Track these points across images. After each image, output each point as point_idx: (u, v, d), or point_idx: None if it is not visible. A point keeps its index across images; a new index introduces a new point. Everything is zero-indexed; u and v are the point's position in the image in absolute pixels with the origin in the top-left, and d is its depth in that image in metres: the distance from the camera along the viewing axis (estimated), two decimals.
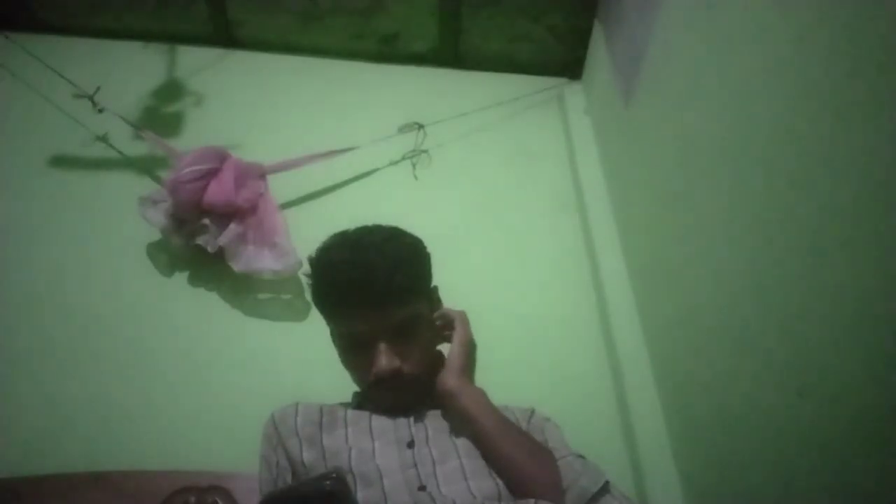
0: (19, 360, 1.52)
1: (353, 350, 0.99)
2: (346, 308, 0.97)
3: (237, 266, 1.60)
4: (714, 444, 1.17)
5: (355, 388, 1.07)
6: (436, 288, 1.10)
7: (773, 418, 0.97)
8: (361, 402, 1.04)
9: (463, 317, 1.05)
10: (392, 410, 0.99)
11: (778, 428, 0.96)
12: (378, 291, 0.94)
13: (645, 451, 1.34)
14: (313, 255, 1.03)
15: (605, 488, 0.88)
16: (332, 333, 1.04)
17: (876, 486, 0.76)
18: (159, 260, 1.73)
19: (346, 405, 1.04)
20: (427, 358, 1.01)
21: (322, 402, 1.02)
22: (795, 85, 0.95)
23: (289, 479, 0.93)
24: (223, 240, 1.60)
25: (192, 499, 1.19)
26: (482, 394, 0.98)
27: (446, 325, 1.05)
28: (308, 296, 1.10)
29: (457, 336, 1.01)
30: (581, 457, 0.94)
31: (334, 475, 0.75)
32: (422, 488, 0.86)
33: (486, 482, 0.88)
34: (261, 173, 1.76)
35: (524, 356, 1.56)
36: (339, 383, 1.06)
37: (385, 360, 0.94)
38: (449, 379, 0.97)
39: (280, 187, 1.79)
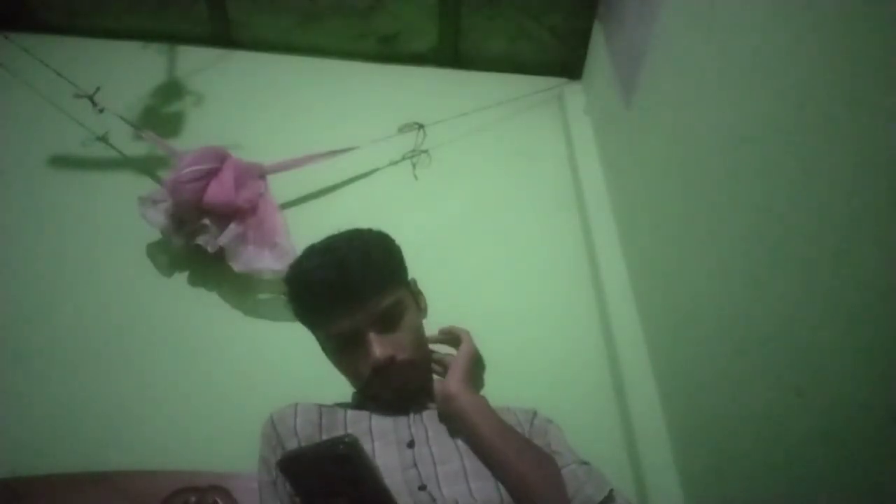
0: (19, 360, 1.52)
1: (345, 350, 0.99)
2: (328, 309, 0.97)
3: (237, 266, 1.60)
4: (714, 444, 1.17)
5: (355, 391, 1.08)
6: (414, 281, 1.11)
7: (773, 418, 0.97)
8: (361, 402, 1.05)
9: (467, 333, 1.07)
10: (393, 403, 0.99)
11: (778, 428, 0.96)
12: (355, 285, 0.95)
13: (645, 451, 1.34)
14: (287, 274, 1.04)
15: (610, 496, 0.87)
16: (321, 344, 1.04)
17: (876, 485, 0.76)
18: (159, 260, 1.73)
19: (345, 405, 1.04)
20: (417, 343, 1.01)
21: (322, 403, 1.02)
22: (795, 85, 0.95)
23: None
24: (223, 240, 1.60)
25: (192, 499, 1.19)
26: (483, 400, 0.98)
27: (452, 341, 1.07)
28: None
29: (462, 346, 1.03)
30: (586, 463, 0.94)
31: (347, 438, 0.75)
32: (422, 488, 0.86)
33: (487, 484, 0.88)
34: (261, 173, 1.76)
35: (524, 356, 1.55)
36: (339, 383, 1.06)
37: (378, 349, 0.95)
38: (451, 384, 0.97)
39: (280, 187, 1.79)
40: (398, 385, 0.98)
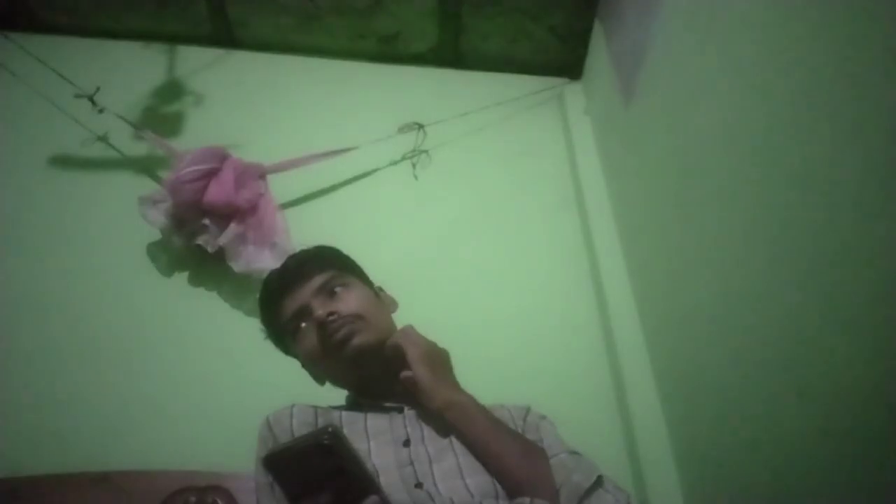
0: (19, 360, 1.52)
1: (300, 334, 1.03)
2: (278, 302, 1.06)
3: (237, 266, 1.60)
4: (714, 444, 1.17)
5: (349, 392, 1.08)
6: (380, 287, 1.16)
7: (774, 419, 0.97)
8: (356, 403, 1.05)
9: (407, 334, 1.02)
10: (363, 363, 1.00)
11: (778, 428, 0.96)
12: (294, 273, 1.06)
13: (645, 451, 1.34)
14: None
15: (598, 482, 0.88)
16: (300, 361, 1.09)
17: (876, 486, 0.76)
18: (159, 260, 1.73)
19: (340, 408, 1.04)
20: (366, 306, 1.04)
21: (318, 405, 1.02)
22: (796, 84, 0.95)
23: None
24: (223, 240, 1.60)
25: (192, 499, 1.20)
26: (468, 401, 0.97)
27: (397, 352, 1.01)
28: None
29: (410, 356, 0.98)
30: (575, 453, 0.95)
31: (330, 429, 0.76)
32: (418, 485, 0.87)
33: (483, 479, 0.89)
34: (261, 173, 1.76)
35: (524, 356, 1.56)
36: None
37: (320, 308, 1.01)
38: (428, 401, 0.96)
39: (280, 187, 1.79)
40: (345, 336, 0.99)
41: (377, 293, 1.13)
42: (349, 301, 1.03)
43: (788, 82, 0.96)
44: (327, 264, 1.08)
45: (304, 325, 1.03)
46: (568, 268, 1.77)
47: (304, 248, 1.16)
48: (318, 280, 1.04)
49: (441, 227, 1.85)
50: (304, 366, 1.09)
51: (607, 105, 1.91)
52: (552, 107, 2.18)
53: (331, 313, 1.00)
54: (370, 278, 1.16)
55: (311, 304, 1.02)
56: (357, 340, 0.99)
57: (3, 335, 1.56)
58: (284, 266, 1.12)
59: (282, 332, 1.08)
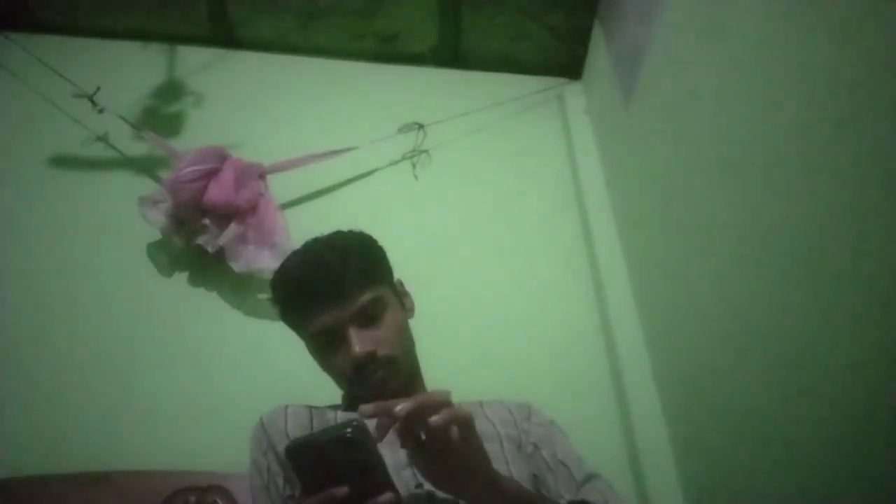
0: (19, 360, 1.52)
1: (328, 349, 0.98)
2: (308, 306, 0.98)
3: (237, 266, 1.60)
4: (714, 443, 1.17)
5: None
6: (400, 282, 1.11)
7: (773, 418, 0.97)
8: (352, 403, 1.04)
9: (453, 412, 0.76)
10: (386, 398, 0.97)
11: (778, 428, 0.96)
12: (333, 281, 0.96)
13: (645, 451, 1.34)
14: (272, 277, 1.06)
15: None
16: (307, 346, 1.04)
17: (876, 486, 0.76)
18: (159, 260, 1.73)
19: (335, 407, 1.04)
20: (400, 340, 1.00)
21: (312, 405, 1.01)
22: (795, 84, 0.95)
23: (280, 482, 0.93)
24: (223, 240, 1.60)
25: (192, 499, 1.20)
26: (516, 490, 0.82)
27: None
28: None
29: (472, 442, 0.77)
30: (597, 476, 0.93)
31: (355, 423, 0.73)
32: (419, 486, 0.86)
33: None
34: (261, 173, 1.76)
35: (523, 355, 1.56)
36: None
37: (357, 345, 0.94)
38: (494, 499, 0.79)
39: (280, 187, 1.79)
40: (379, 381, 0.96)
41: (402, 301, 1.07)
42: (385, 335, 0.97)
43: (788, 82, 0.96)
44: (366, 279, 0.99)
45: (333, 341, 0.98)
46: (568, 268, 1.77)
47: (339, 232, 1.06)
48: (357, 301, 0.96)
49: (441, 227, 1.85)
50: (310, 352, 1.06)
51: (607, 105, 1.91)
52: (552, 107, 2.18)
53: (370, 355, 0.94)
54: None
55: (348, 329, 0.96)
56: (390, 385, 0.96)
57: (3, 335, 1.56)
58: (319, 271, 0.98)
59: (301, 334, 1.04)
